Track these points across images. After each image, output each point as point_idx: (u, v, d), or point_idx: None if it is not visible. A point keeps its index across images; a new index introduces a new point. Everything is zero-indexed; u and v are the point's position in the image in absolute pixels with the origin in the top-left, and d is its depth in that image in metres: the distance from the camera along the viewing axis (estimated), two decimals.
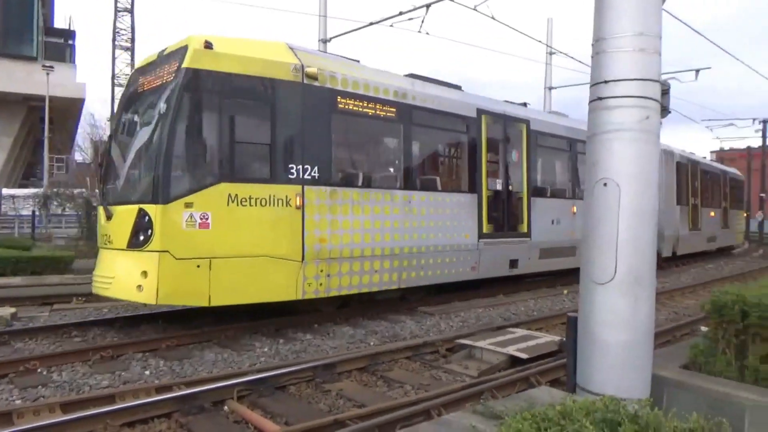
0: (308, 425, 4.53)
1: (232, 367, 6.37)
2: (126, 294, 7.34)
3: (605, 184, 3.28)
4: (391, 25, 13.85)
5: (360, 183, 8.97)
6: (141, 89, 8.09)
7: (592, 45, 3.46)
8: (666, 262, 18.67)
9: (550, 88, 21.72)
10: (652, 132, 3.30)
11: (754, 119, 28.72)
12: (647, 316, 3.32)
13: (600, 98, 3.37)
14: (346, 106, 8.74)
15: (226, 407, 5.18)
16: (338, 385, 5.86)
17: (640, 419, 2.36)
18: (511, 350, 6.62)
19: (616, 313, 3.26)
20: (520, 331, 7.91)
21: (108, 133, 18.74)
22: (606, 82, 3.33)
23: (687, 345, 4.19)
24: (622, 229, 3.23)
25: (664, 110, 3.41)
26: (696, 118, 36.66)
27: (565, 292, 13.11)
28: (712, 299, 3.77)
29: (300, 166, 7.94)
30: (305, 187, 7.97)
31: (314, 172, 8.11)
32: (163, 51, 7.96)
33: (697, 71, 18.18)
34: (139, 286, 6.98)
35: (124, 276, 7.27)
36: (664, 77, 14.34)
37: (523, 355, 6.47)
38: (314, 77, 8.19)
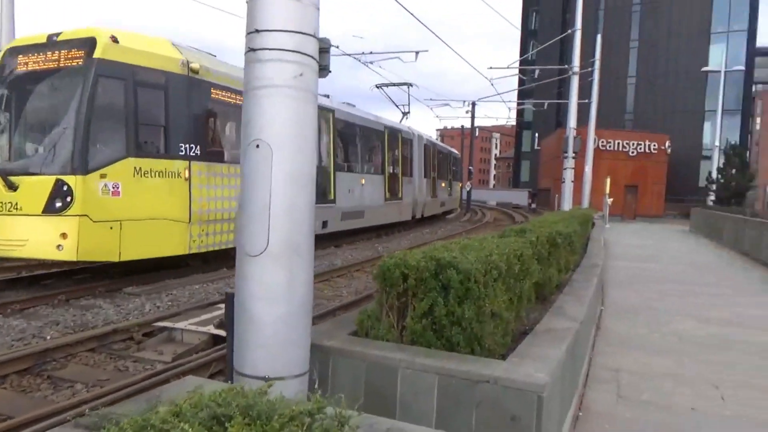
0: None
1: None
2: (43, 253, 8.35)
3: (257, 146, 2.97)
4: None
5: (225, 159, 10.88)
6: (30, 68, 8.81)
7: None
8: (405, 225, 23.15)
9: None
10: (308, 90, 3.08)
11: (464, 101, 32.95)
12: (305, 287, 3.14)
13: (253, 49, 3.02)
14: (217, 96, 10.69)
15: None
16: None
17: (252, 409, 2.07)
18: (213, 328, 6.18)
19: (271, 286, 3.00)
20: None
21: None
22: (258, 31, 2.99)
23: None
24: (275, 196, 2.96)
25: (324, 69, 3.22)
26: (420, 98, 40.80)
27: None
28: (380, 264, 3.80)
29: (187, 145, 9.78)
30: (191, 162, 9.81)
31: (197, 150, 9.96)
32: (55, 36, 8.79)
33: (417, 53, 19.82)
34: (59, 246, 8.01)
35: (40, 238, 8.13)
36: (387, 57, 14.93)
37: (224, 333, 6.07)
38: (196, 71, 10.00)
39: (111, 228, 8.44)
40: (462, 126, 47.25)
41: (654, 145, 39.49)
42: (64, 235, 8.01)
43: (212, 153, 10.49)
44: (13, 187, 8.34)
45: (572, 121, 19.32)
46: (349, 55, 19.60)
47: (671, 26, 51.28)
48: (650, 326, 7.25)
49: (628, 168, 38.66)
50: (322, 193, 15.09)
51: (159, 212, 9.20)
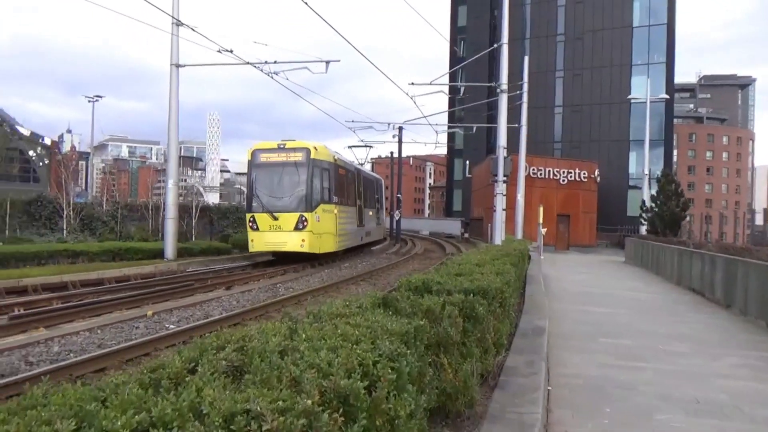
0: None
1: None
2: (294, 248, 18.55)
3: None
4: None
5: (345, 203, 22.30)
6: (273, 160, 19.26)
7: None
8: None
9: (178, 66, 18.56)
10: None
11: (389, 124, 30.75)
12: None
13: None
14: (341, 172, 21.89)
15: None
16: None
17: None
18: None
19: None
20: None
21: None
22: None
23: None
24: None
25: None
26: (341, 119, 38.75)
27: (150, 313, 10.12)
28: None
29: (335, 196, 20.43)
30: (337, 205, 20.61)
31: (337, 199, 20.67)
32: (283, 144, 19.42)
33: (327, 63, 17.39)
34: (301, 245, 18.42)
35: (292, 241, 18.54)
36: (294, 67, 12.11)
37: None
38: (336, 160, 21.10)
39: (318, 237, 18.92)
40: (391, 153, 45.32)
41: (584, 173, 38.74)
42: (303, 240, 18.51)
43: (341, 200, 21.18)
44: (275, 218, 18.67)
45: (502, 139, 17.30)
46: (249, 63, 16.87)
47: (594, 57, 51.91)
48: (622, 427, 4.77)
49: (560, 196, 37.61)
50: (360, 221, 25.24)
51: (328, 230, 19.74)
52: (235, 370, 1.73)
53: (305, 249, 18.35)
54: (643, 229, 27.77)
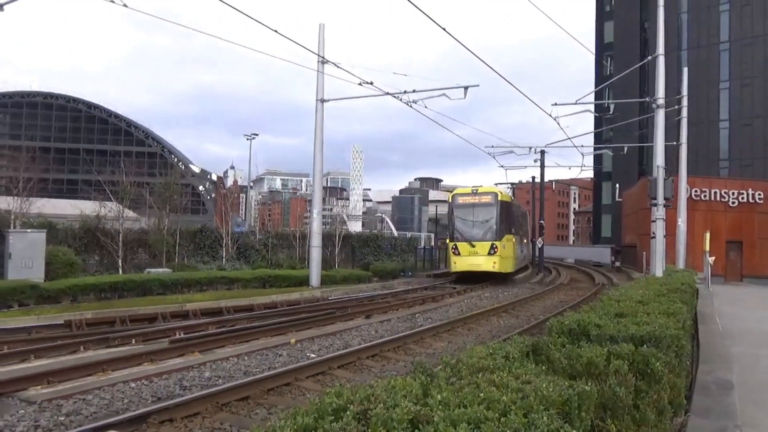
0: None
1: None
2: (487, 269, 23.90)
3: None
4: None
5: (517, 233, 28.11)
6: (469, 202, 24.98)
7: None
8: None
9: (323, 101, 19.45)
10: None
11: (530, 148, 29.58)
12: None
13: None
14: (511, 208, 26.85)
15: None
16: None
17: None
18: None
19: None
20: None
21: None
22: None
23: None
24: None
25: None
26: (480, 145, 38.13)
27: (293, 341, 10.35)
28: None
29: (512, 228, 26.51)
30: (513, 235, 26.47)
31: (513, 231, 26.60)
32: (475, 189, 25.38)
33: (466, 88, 17.14)
34: (493, 266, 23.91)
35: (487, 263, 23.89)
36: (432, 95, 12.15)
37: None
38: (511, 200, 28.08)
39: (504, 260, 24.28)
40: (533, 177, 43.67)
41: (759, 194, 34.10)
42: (494, 263, 23.70)
43: (514, 231, 26.71)
44: (473, 246, 23.85)
45: (659, 158, 15.63)
46: (389, 93, 17.18)
47: (767, 64, 46.04)
48: None
49: (729, 220, 33.43)
50: (521, 249, 30.04)
51: (510, 255, 25.21)
52: None
53: (496, 269, 23.75)
54: None
